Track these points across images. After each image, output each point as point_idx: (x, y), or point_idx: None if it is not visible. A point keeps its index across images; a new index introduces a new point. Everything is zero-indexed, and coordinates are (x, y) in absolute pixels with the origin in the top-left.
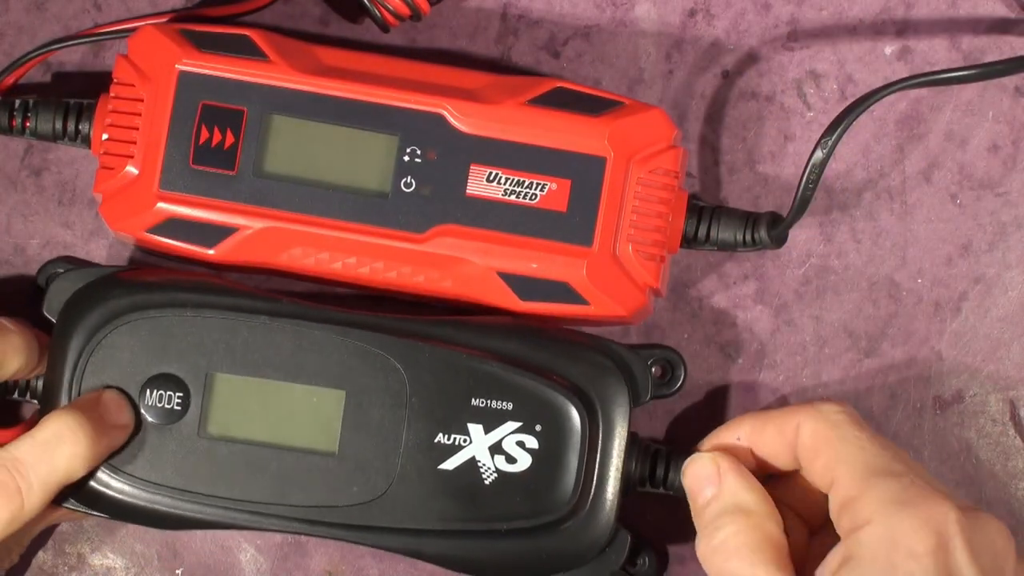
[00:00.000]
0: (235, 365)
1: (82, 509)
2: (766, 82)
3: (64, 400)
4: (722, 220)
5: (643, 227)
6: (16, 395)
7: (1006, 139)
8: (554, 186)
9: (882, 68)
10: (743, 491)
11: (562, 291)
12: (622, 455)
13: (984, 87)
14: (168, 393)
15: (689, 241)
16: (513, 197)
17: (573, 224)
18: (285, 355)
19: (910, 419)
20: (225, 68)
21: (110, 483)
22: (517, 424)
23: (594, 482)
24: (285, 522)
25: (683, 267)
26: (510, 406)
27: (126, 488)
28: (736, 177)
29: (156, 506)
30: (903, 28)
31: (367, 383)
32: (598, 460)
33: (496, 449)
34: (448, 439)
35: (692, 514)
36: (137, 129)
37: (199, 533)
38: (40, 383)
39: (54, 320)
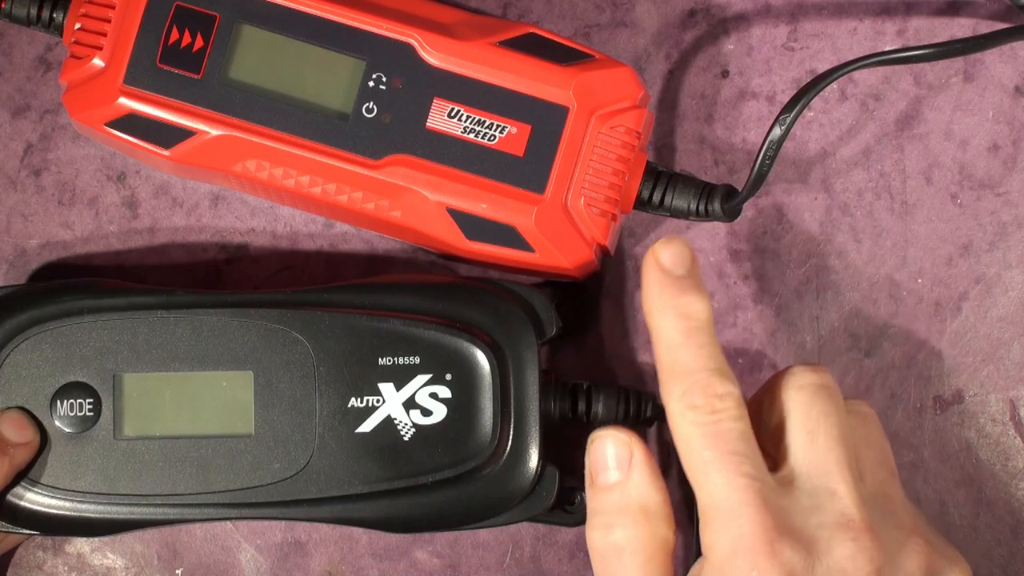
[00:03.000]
0: (140, 363)
1: (10, 530)
2: (766, 82)
3: None
4: (678, 187)
5: (598, 182)
6: None
7: (1006, 139)
8: (514, 129)
9: (882, 67)
10: (650, 490)
11: (509, 235)
12: (536, 392)
13: (984, 87)
14: (79, 401)
15: (643, 204)
16: (472, 135)
17: (528, 169)
18: (187, 345)
19: (910, 419)
20: None
21: (34, 498)
22: (427, 376)
23: (512, 423)
24: (213, 509)
25: None
26: (417, 360)
27: (51, 501)
28: (736, 177)
29: (83, 514)
30: (903, 28)
31: (273, 360)
32: (512, 400)
33: (410, 404)
34: (361, 402)
35: (586, 488)
36: (109, 22)
37: (199, 532)
38: None
39: None
